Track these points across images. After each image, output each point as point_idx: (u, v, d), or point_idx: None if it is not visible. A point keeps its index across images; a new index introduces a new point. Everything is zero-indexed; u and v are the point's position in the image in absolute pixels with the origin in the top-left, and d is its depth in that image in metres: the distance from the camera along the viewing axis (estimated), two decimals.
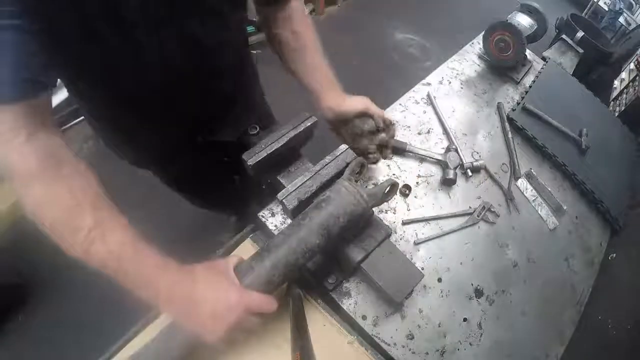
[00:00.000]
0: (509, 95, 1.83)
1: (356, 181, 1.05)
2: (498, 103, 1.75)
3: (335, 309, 1.11)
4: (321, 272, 1.10)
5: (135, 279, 0.83)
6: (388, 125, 1.29)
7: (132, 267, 0.83)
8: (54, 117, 0.86)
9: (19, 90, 0.75)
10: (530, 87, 1.82)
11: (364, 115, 1.25)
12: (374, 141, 1.27)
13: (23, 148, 0.78)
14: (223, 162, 1.53)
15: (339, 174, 1.09)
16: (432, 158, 1.46)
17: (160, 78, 1.06)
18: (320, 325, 1.05)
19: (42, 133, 0.80)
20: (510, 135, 1.63)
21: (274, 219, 1.18)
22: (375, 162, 1.30)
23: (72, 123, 3.11)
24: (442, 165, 1.46)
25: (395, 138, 1.36)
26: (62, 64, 0.89)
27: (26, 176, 0.81)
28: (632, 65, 3.31)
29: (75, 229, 0.80)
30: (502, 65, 1.86)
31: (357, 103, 1.24)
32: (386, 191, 1.02)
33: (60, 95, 2.70)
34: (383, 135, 1.27)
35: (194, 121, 1.32)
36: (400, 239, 1.29)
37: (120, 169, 2.17)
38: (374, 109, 1.25)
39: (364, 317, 1.11)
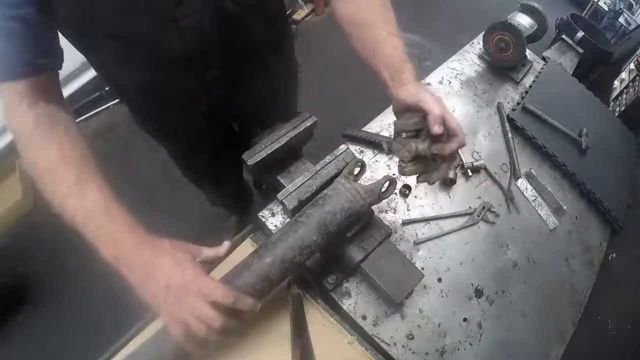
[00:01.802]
0: (509, 95, 1.83)
1: (355, 181, 1.05)
2: (498, 103, 1.75)
3: (335, 308, 1.11)
4: (321, 271, 1.11)
5: (100, 235, 0.84)
6: (447, 133, 0.94)
7: (100, 224, 0.84)
8: (61, 95, 0.98)
9: (22, 69, 0.86)
10: (530, 87, 1.82)
11: (416, 110, 0.95)
12: (410, 147, 0.95)
13: (24, 113, 0.88)
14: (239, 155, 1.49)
15: (338, 174, 1.08)
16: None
17: (192, 52, 1.07)
18: (320, 325, 1.05)
19: (43, 102, 0.90)
20: (510, 135, 1.63)
21: (274, 219, 1.18)
22: (405, 174, 1.00)
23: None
24: None
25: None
26: (89, 46, 1.00)
27: (25, 136, 0.89)
28: (632, 66, 3.30)
29: (57, 182, 0.86)
30: (502, 65, 1.86)
31: (410, 95, 0.95)
32: (384, 188, 1.02)
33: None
34: (423, 146, 0.93)
35: (228, 103, 1.31)
36: (400, 239, 1.29)
37: (122, 170, 2.17)
38: (429, 105, 0.91)
39: (364, 317, 1.12)
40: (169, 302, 0.80)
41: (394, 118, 1.04)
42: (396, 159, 1.43)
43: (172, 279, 0.80)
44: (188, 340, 0.80)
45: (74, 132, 0.93)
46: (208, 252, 0.92)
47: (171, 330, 0.80)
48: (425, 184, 1.36)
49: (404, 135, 0.96)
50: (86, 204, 0.85)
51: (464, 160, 1.49)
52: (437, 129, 0.89)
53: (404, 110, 0.98)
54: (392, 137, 1.03)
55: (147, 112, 1.35)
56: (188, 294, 0.79)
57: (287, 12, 4.12)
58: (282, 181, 1.17)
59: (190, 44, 1.04)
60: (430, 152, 0.94)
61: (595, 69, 3.37)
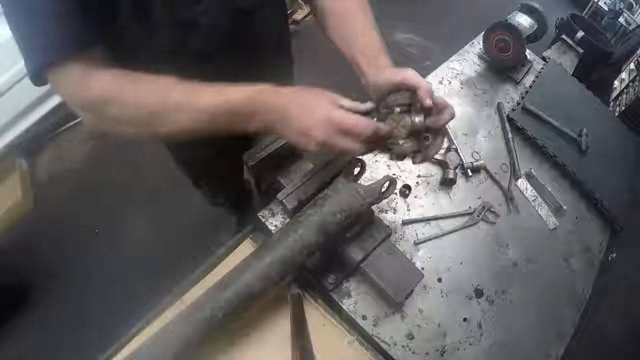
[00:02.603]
0: (509, 95, 1.83)
1: (355, 180, 1.05)
2: (498, 103, 1.75)
3: (335, 309, 1.11)
4: (321, 271, 1.10)
5: (238, 113, 0.90)
6: (436, 107, 0.93)
7: (232, 108, 0.90)
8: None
9: (86, 40, 0.88)
10: (530, 87, 1.82)
11: (402, 89, 0.94)
12: (406, 122, 0.93)
13: (98, 76, 0.88)
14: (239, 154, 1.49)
15: (338, 174, 1.08)
16: (432, 158, 1.46)
17: (192, 49, 1.09)
18: (320, 325, 1.05)
19: (107, 68, 0.90)
20: (510, 135, 1.63)
21: (274, 219, 1.18)
22: (400, 157, 0.97)
23: (73, 123, 3.11)
24: (442, 165, 1.46)
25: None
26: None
27: (112, 91, 0.88)
28: (632, 66, 3.31)
29: (173, 109, 0.90)
30: (502, 65, 1.86)
31: (393, 74, 0.95)
32: (384, 188, 1.02)
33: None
34: (419, 118, 0.92)
35: None
36: (401, 239, 1.29)
37: (122, 170, 2.18)
38: (416, 79, 0.92)
39: (364, 317, 1.11)
40: (306, 143, 0.88)
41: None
42: (386, 160, 1.43)
43: (303, 123, 0.87)
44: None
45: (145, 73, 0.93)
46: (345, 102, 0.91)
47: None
48: (427, 184, 1.36)
49: (397, 110, 0.94)
50: (204, 105, 0.89)
51: (464, 160, 1.48)
52: (429, 102, 0.90)
53: (387, 92, 0.96)
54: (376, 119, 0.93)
55: None
56: (321, 131, 0.85)
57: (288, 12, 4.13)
58: (282, 181, 1.16)
59: (205, 42, 1.08)
60: (424, 126, 0.93)
61: (596, 69, 3.36)
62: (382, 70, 0.98)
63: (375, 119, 0.94)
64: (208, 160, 1.63)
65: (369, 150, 0.91)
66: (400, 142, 0.94)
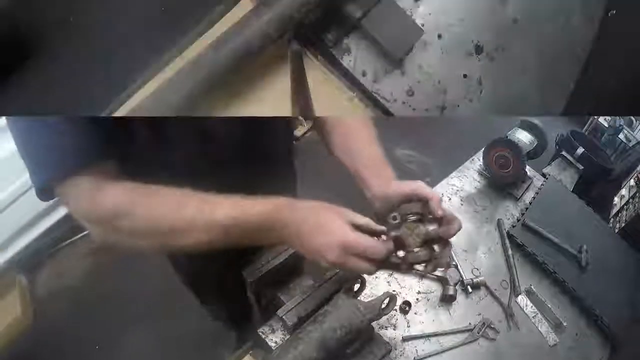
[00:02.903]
0: (509, 212, 1.86)
1: (355, 297, 1.07)
2: (498, 220, 1.78)
3: (335, 65, 1.10)
4: (321, 28, 1.08)
5: (253, 228, 0.88)
6: (445, 218, 0.95)
7: (244, 226, 0.88)
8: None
9: (87, 157, 0.84)
10: (530, 203, 1.86)
11: (413, 200, 0.96)
12: (420, 231, 0.92)
13: (112, 189, 0.86)
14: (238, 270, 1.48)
15: (339, 290, 1.09)
16: (432, 275, 1.48)
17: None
18: (320, 81, 1.06)
19: (119, 180, 0.88)
20: (510, 252, 1.65)
21: (273, 335, 1.18)
22: (410, 267, 0.96)
23: (73, 239, 3.15)
24: (442, 281, 1.47)
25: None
26: None
27: (126, 204, 0.86)
28: (632, 182, 3.36)
29: (188, 223, 0.87)
30: (502, 182, 1.90)
31: (404, 185, 0.99)
32: (384, 304, 1.03)
33: None
34: (433, 227, 0.93)
35: None
36: (400, 356, 1.28)
37: (122, 284, 2.19)
38: (428, 190, 0.96)
39: (363, 73, 1.09)
40: (319, 260, 0.88)
41: None
42: (396, 276, 1.45)
43: (314, 243, 0.87)
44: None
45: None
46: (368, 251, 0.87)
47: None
48: (427, 300, 1.37)
49: (411, 218, 0.93)
50: (219, 218, 0.87)
51: (464, 277, 1.50)
52: (441, 212, 0.93)
53: (398, 203, 0.97)
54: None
55: None
56: (332, 253, 0.85)
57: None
58: (282, 297, 1.18)
59: (219, 150, 1.12)
60: (437, 234, 0.94)
61: (596, 186, 3.41)
62: (389, 182, 1.01)
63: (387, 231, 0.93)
64: (210, 273, 1.64)
65: (381, 269, 0.92)
66: (415, 249, 0.91)
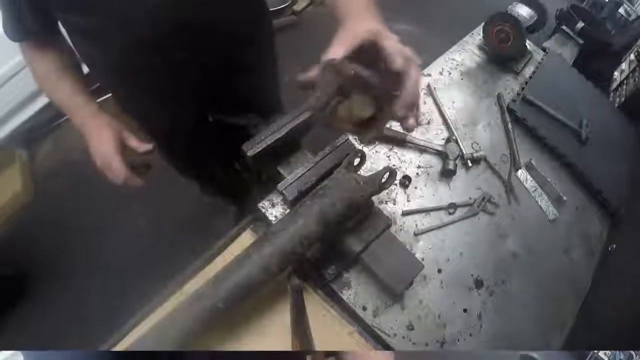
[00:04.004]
0: (509, 86, 1.83)
1: (355, 171, 1.05)
2: (498, 94, 1.74)
3: (335, 299, 1.11)
4: (321, 262, 1.11)
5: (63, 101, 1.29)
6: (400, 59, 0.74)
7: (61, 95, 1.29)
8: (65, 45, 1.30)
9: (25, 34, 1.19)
10: (530, 77, 1.82)
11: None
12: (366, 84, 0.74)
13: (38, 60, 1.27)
14: (227, 148, 1.49)
15: (338, 165, 1.08)
16: (432, 149, 1.46)
17: (165, 36, 1.14)
18: (320, 315, 1.05)
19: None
20: (510, 126, 1.63)
21: (273, 210, 1.18)
22: (364, 133, 0.84)
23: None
24: (442, 156, 1.46)
25: (393, 128, 1.29)
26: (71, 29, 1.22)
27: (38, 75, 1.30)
28: (632, 57, 3.30)
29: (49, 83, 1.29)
30: (502, 56, 1.85)
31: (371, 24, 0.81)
32: (384, 179, 1.02)
33: None
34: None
35: (201, 92, 1.34)
36: (400, 230, 1.29)
37: None
38: (380, 34, 0.78)
39: (364, 308, 1.12)
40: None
41: None
42: (396, 150, 1.43)
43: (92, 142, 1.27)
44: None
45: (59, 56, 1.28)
46: (132, 142, 1.31)
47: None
48: (427, 175, 1.36)
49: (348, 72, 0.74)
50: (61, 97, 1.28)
51: (464, 151, 1.48)
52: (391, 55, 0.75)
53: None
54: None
55: (122, 94, 1.46)
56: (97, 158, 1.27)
57: (283, 5, 4.09)
58: (282, 172, 1.16)
59: (158, 26, 1.09)
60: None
61: (595, 60, 3.36)
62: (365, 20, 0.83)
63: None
64: (185, 151, 1.67)
65: None
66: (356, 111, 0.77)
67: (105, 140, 1.23)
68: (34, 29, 1.16)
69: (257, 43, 1.42)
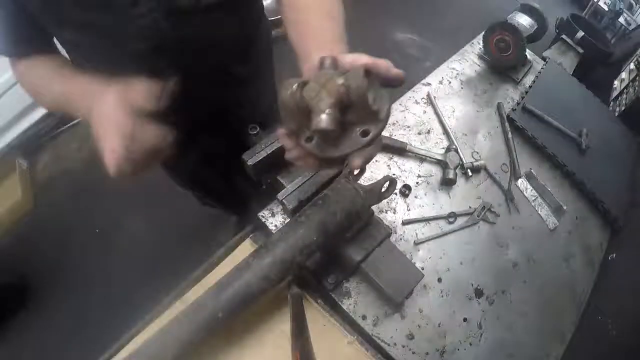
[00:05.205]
0: (509, 95, 1.83)
1: (355, 181, 1.05)
2: (498, 103, 1.75)
3: (335, 308, 1.11)
4: (321, 271, 1.10)
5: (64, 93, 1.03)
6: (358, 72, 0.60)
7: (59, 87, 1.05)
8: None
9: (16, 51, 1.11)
10: (530, 87, 1.82)
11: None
12: (332, 86, 0.59)
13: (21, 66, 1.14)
14: (225, 159, 1.48)
15: (339, 174, 1.08)
16: (432, 158, 1.46)
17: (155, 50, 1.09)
18: (320, 325, 1.05)
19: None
20: (510, 135, 1.63)
21: (273, 219, 1.18)
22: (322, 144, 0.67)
23: (72, 123, 3.12)
24: (442, 165, 1.46)
25: (393, 137, 1.28)
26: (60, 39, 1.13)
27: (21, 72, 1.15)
28: (632, 66, 3.32)
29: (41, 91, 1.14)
30: (502, 66, 1.85)
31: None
32: (384, 188, 1.02)
33: None
34: (339, 81, 0.58)
35: (196, 104, 1.31)
36: (400, 239, 1.29)
37: None
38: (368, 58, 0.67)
39: (363, 317, 1.11)
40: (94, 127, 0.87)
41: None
42: (396, 159, 1.43)
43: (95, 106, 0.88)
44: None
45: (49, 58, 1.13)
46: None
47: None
48: (427, 184, 1.37)
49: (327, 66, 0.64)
50: (56, 89, 1.05)
51: (464, 160, 1.48)
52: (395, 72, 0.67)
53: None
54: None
55: None
56: (101, 124, 0.86)
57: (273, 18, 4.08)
58: (282, 181, 1.16)
59: (147, 42, 1.06)
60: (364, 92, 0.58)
61: (596, 69, 3.38)
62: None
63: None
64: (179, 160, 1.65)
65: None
66: (321, 115, 0.59)
67: (106, 101, 0.86)
68: (33, 42, 1.09)
69: (256, 54, 1.41)
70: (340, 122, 0.60)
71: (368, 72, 0.59)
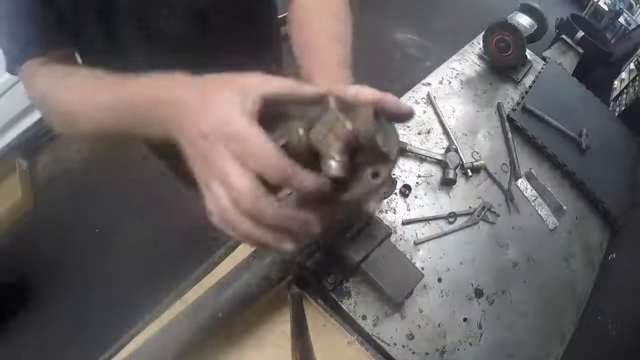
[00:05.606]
0: (509, 95, 1.83)
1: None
2: (498, 103, 1.75)
3: (335, 308, 1.11)
4: (321, 271, 1.10)
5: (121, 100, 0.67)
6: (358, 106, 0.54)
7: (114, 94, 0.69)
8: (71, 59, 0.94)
9: (37, 49, 0.86)
10: (530, 87, 1.82)
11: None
12: (341, 130, 0.51)
13: (38, 76, 0.84)
14: None
15: None
16: (432, 158, 1.46)
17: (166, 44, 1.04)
18: (320, 325, 1.05)
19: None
20: (510, 135, 1.63)
21: None
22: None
23: None
24: (442, 165, 1.46)
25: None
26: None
27: (43, 88, 0.84)
28: (632, 66, 3.31)
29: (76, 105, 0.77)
30: (502, 66, 1.85)
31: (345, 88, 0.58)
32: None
33: None
34: (348, 125, 0.51)
35: None
36: (400, 239, 1.29)
37: (122, 170, 2.15)
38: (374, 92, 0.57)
39: (363, 317, 1.11)
40: (194, 152, 0.54)
41: None
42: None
43: (199, 124, 0.52)
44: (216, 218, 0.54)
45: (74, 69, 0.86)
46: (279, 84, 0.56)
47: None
48: (427, 184, 1.36)
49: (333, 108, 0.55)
50: (105, 100, 0.69)
51: (464, 160, 1.48)
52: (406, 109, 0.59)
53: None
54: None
55: None
56: (215, 149, 0.50)
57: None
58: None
59: (167, 41, 1.03)
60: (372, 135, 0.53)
61: (595, 69, 3.38)
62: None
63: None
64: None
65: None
66: (331, 161, 0.51)
67: (223, 100, 0.51)
68: (43, 43, 0.87)
69: (266, 50, 1.40)
70: (349, 166, 0.54)
71: (377, 113, 0.55)
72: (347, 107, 0.56)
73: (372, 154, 0.54)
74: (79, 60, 0.99)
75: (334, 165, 0.51)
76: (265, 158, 0.47)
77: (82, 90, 0.75)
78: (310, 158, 0.54)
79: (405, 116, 0.60)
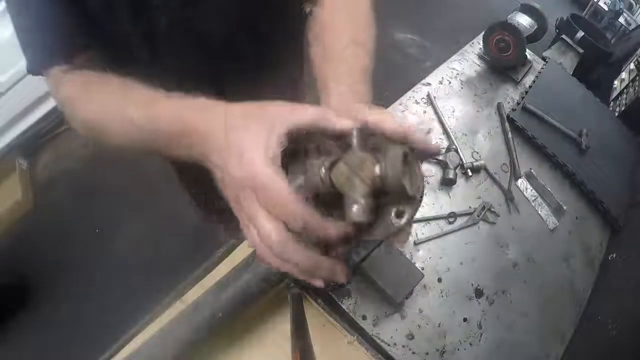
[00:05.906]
0: (509, 95, 1.83)
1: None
2: (498, 103, 1.75)
3: (335, 308, 1.11)
4: None
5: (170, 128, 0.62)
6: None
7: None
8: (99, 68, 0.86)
9: (65, 53, 0.82)
10: (530, 87, 1.82)
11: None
12: (369, 171, 0.48)
13: (66, 81, 0.81)
14: None
15: None
16: (432, 158, 1.46)
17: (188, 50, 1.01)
18: (320, 325, 1.05)
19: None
20: (510, 135, 1.63)
21: None
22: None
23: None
24: (442, 165, 1.46)
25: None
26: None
27: (72, 93, 0.82)
28: (632, 66, 3.31)
29: (112, 119, 0.74)
30: (502, 66, 1.85)
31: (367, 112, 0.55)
32: None
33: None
34: (376, 170, 0.48)
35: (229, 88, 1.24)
36: None
37: (122, 170, 2.15)
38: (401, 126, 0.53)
39: (363, 317, 1.12)
40: (228, 196, 0.56)
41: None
42: None
43: (227, 165, 0.52)
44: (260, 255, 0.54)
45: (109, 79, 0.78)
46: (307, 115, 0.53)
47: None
48: (427, 184, 1.36)
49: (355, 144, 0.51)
50: (133, 116, 0.67)
51: (464, 160, 1.48)
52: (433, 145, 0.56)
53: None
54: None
55: None
56: (244, 192, 0.51)
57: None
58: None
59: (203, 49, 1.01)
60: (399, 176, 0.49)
61: (595, 69, 3.38)
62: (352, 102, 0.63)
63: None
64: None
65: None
66: (355, 205, 0.47)
67: (249, 141, 0.51)
68: (73, 46, 0.83)
69: (291, 46, 1.37)
70: (374, 210, 0.51)
71: (405, 153, 0.49)
72: (370, 138, 0.54)
73: (397, 195, 0.52)
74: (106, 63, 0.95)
75: (358, 210, 0.48)
76: (285, 207, 0.48)
77: (111, 103, 0.74)
78: (334, 196, 0.52)
79: (433, 155, 0.59)
